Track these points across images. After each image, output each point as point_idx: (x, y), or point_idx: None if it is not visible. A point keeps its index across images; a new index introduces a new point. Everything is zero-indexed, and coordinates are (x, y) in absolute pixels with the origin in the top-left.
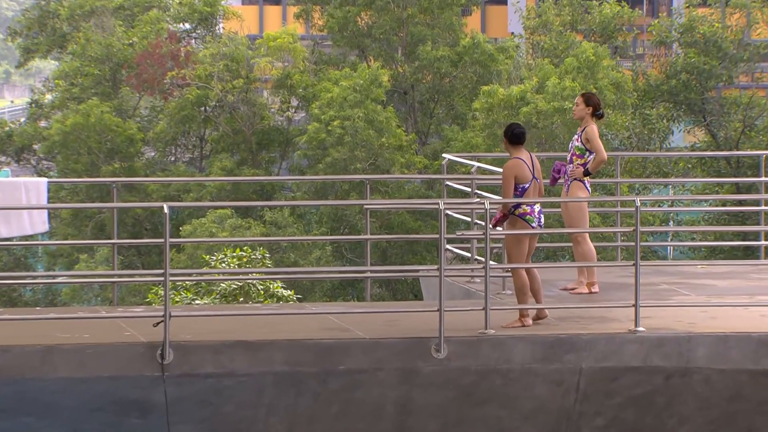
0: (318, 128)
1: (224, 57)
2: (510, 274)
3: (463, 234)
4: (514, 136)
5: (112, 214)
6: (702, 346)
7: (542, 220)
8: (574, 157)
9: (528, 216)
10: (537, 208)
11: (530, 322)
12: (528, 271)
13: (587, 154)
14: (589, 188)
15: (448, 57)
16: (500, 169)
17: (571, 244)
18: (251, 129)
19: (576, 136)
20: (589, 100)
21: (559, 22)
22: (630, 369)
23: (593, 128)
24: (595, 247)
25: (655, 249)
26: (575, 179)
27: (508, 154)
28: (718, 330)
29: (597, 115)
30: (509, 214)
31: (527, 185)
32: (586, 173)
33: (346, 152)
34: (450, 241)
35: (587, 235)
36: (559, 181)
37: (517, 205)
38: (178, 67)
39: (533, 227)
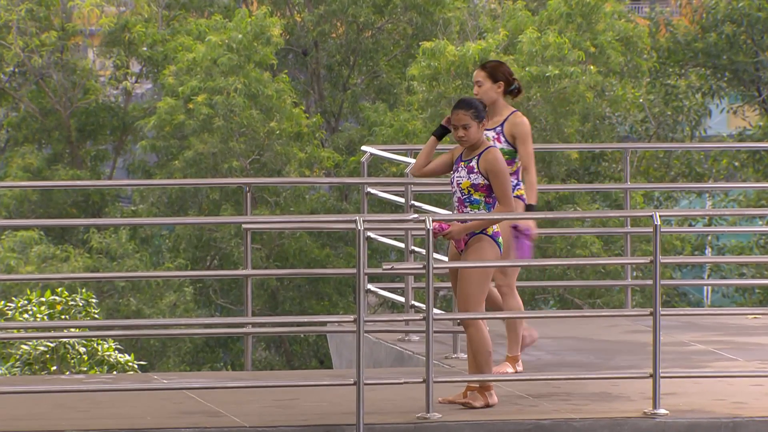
0: (173, 106)
1: None
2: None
3: (393, 268)
4: None
5: None
6: None
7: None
8: None
9: (500, 239)
10: None
11: (496, 399)
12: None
13: (517, 159)
14: None
15: None
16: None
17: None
18: (69, 108)
19: (492, 134)
20: (494, 72)
21: None
22: None
23: (521, 118)
24: (596, 285)
25: (684, 290)
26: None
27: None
28: None
29: (511, 91)
30: (477, 233)
31: None
32: (529, 207)
33: (216, 143)
34: (374, 278)
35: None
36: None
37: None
38: None
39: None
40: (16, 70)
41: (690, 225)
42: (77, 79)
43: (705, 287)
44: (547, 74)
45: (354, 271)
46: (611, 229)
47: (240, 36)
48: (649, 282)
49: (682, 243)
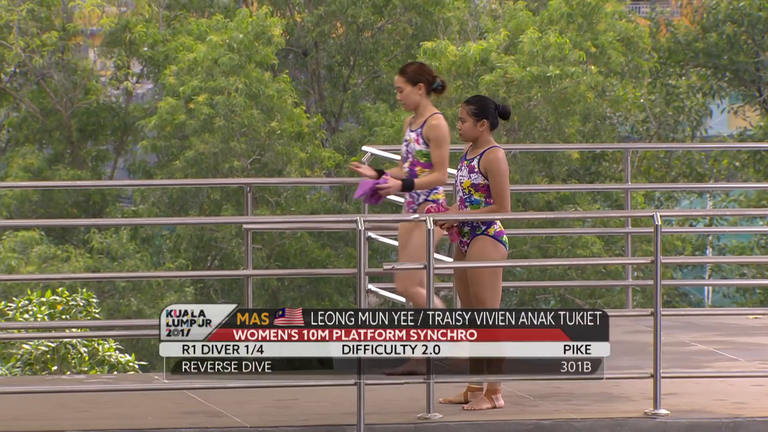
0: (174, 106)
1: None
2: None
3: (393, 268)
4: (506, 113)
5: None
6: None
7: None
8: (417, 168)
9: (504, 237)
10: None
11: (503, 402)
12: None
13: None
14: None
15: None
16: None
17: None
18: (70, 108)
19: (414, 135)
20: (413, 75)
21: None
22: None
23: (437, 121)
24: (597, 285)
25: (685, 290)
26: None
27: (461, 145)
28: None
29: (434, 89)
30: (480, 234)
31: None
32: (408, 187)
33: (216, 143)
34: (374, 278)
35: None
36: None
37: (492, 221)
38: None
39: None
40: (17, 70)
41: (691, 225)
42: (78, 79)
43: (706, 287)
44: (548, 74)
45: (354, 271)
46: (612, 229)
47: (241, 36)
48: (650, 282)
49: (683, 243)
